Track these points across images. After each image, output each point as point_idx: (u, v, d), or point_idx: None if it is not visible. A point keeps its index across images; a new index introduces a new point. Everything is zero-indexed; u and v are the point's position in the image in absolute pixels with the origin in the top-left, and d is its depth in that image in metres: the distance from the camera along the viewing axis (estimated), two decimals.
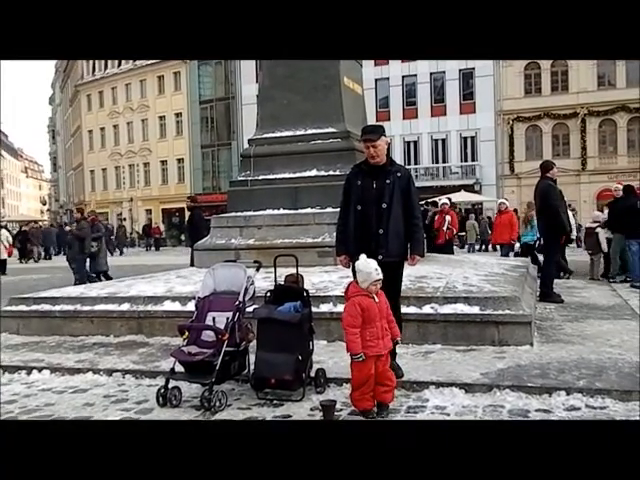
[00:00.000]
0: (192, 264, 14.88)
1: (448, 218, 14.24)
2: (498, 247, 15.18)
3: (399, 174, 4.93)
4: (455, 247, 16.54)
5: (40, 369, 5.94)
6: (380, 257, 4.67)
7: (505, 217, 13.93)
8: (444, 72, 40.31)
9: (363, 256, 4.43)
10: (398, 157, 38.27)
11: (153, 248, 38.85)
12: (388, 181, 4.87)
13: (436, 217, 14.37)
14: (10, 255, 22.72)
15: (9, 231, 26.35)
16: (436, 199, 18.31)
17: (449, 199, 19.09)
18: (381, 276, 4.34)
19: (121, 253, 35.14)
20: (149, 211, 52.48)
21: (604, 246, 11.82)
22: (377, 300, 4.34)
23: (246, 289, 4.94)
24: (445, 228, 14.02)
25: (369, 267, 4.34)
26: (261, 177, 9.90)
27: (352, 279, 4.56)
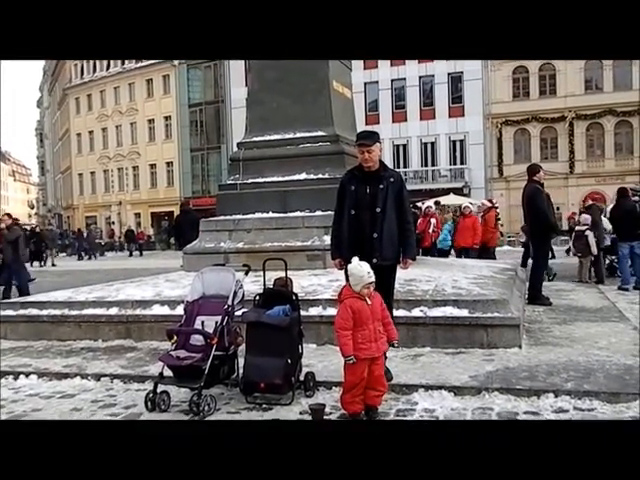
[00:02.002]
0: None
1: (433, 221, 14.48)
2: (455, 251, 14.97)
3: (392, 179, 4.98)
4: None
5: (27, 374, 5.89)
6: (374, 260, 4.72)
7: (468, 221, 13.81)
8: (433, 76, 40.49)
9: (355, 259, 4.45)
10: (387, 160, 38.08)
11: (137, 253, 37.75)
12: (381, 186, 4.91)
13: (419, 220, 14.47)
14: None
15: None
16: (419, 204, 18.37)
17: (437, 202, 19.16)
18: (373, 279, 4.34)
19: (90, 257, 34.76)
20: (138, 215, 52.29)
21: (594, 249, 11.88)
22: (369, 303, 4.35)
23: (235, 293, 4.92)
24: (431, 231, 14.20)
25: (362, 270, 4.35)
26: (250, 180, 9.88)
27: (341, 282, 4.57)
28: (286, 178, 9.64)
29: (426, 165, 41.61)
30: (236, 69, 42.69)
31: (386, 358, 4.92)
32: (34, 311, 7.70)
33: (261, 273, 5.26)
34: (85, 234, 39.39)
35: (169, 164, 50.51)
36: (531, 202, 8.73)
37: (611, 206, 15.50)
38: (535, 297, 8.73)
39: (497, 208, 14.96)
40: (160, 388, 4.71)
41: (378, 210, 4.88)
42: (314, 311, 6.34)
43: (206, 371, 4.53)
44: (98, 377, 5.67)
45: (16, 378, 5.85)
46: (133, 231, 41.44)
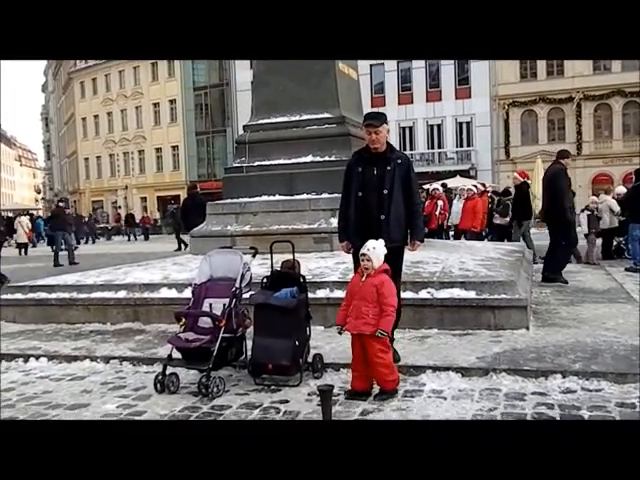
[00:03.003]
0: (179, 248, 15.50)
1: (440, 203, 14.42)
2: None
3: (399, 161, 4.95)
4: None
5: (37, 357, 5.94)
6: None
7: (470, 204, 13.71)
8: None
9: (381, 240, 4.52)
10: (393, 143, 37.60)
11: (142, 237, 37.42)
12: (389, 168, 4.89)
13: (426, 203, 14.41)
14: (30, 240, 23.27)
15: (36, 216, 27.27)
16: (425, 186, 18.25)
17: (444, 185, 19.08)
18: (365, 251, 4.38)
19: (93, 242, 35.02)
20: (144, 199, 52.34)
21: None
22: (362, 280, 4.39)
23: (242, 275, 4.94)
24: (437, 213, 14.15)
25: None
26: (256, 163, 9.87)
27: (348, 265, 4.58)
28: (292, 160, 9.62)
29: (432, 147, 41.42)
30: None
31: (394, 340, 4.92)
32: (43, 294, 7.74)
33: (268, 256, 5.27)
34: (85, 219, 39.49)
35: (174, 148, 50.46)
36: (552, 183, 8.73)
37: (619, 187, 15.43)
38: (547, 278, 8.74)
39: (488, 192, 14.78)
40: (169, 370, 4.75)
41: (385, 192, 4.85)
42: (321, 293, 6.35)
43: (214, 353, 4.56)
44: (107, 359, 5.71)
45: (26, 361, 5.91)
46: (133, 215, 41.33)
